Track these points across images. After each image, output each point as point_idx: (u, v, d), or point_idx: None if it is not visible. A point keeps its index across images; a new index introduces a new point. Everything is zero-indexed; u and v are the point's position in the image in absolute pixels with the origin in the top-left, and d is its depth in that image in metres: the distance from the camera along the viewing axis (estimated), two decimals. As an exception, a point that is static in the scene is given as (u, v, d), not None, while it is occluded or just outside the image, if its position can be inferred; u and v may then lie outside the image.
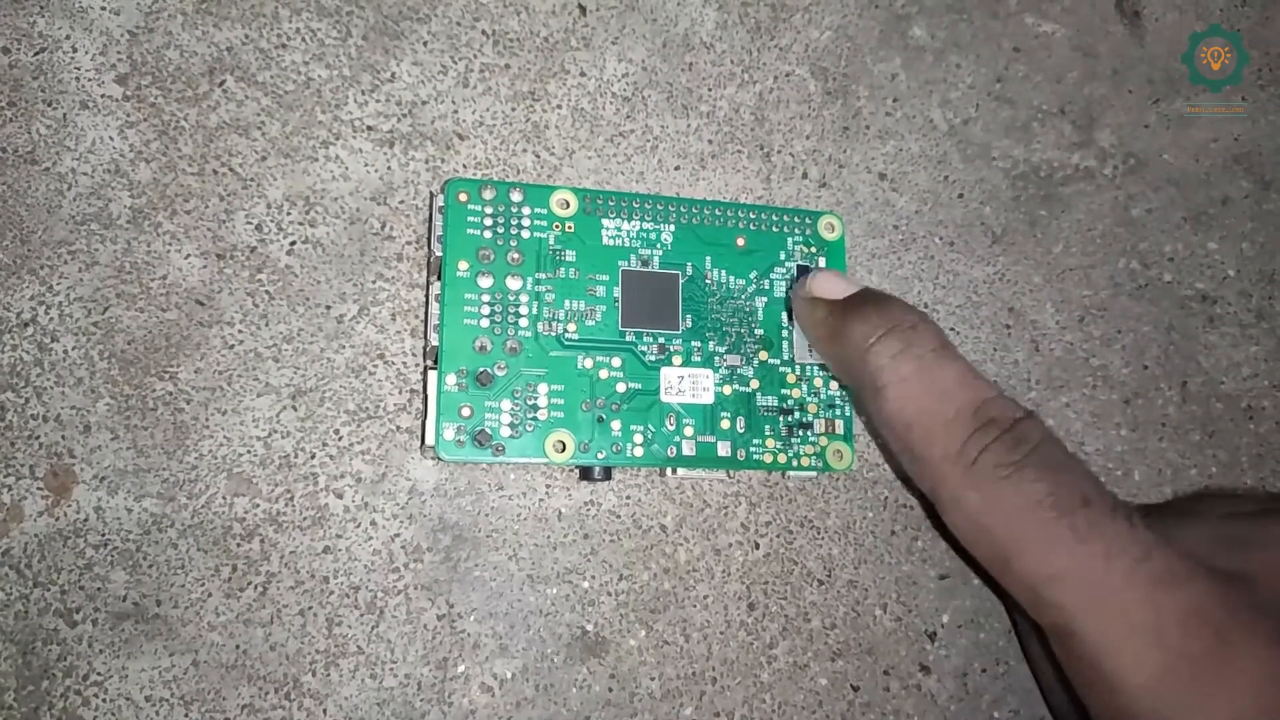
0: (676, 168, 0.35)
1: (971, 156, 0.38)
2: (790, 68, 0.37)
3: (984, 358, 0.37)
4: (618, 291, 0.32)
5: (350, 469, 0.30)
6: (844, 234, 0.34)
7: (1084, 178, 0.39)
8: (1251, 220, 0.41)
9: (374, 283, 0.32)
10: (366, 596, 0.30)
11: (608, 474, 0.31)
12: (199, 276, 0.30)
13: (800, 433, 0.32)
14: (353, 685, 0.29)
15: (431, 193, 0.32)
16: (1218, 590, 0.22)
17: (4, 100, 0.30)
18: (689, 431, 0.31)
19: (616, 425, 0.31)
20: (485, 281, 0.30)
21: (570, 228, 0.32)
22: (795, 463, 0.32)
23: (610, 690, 0.31)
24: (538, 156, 0.34)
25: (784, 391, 0.32)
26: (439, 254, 0.30)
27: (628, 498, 0.32)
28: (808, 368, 0.33)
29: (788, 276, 0.33)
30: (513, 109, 0.34)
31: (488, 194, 0.31)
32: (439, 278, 0.30)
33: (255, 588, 0.29)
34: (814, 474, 0.32)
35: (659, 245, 0.32)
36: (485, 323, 0.30)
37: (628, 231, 0.32)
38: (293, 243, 0.31)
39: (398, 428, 0.31)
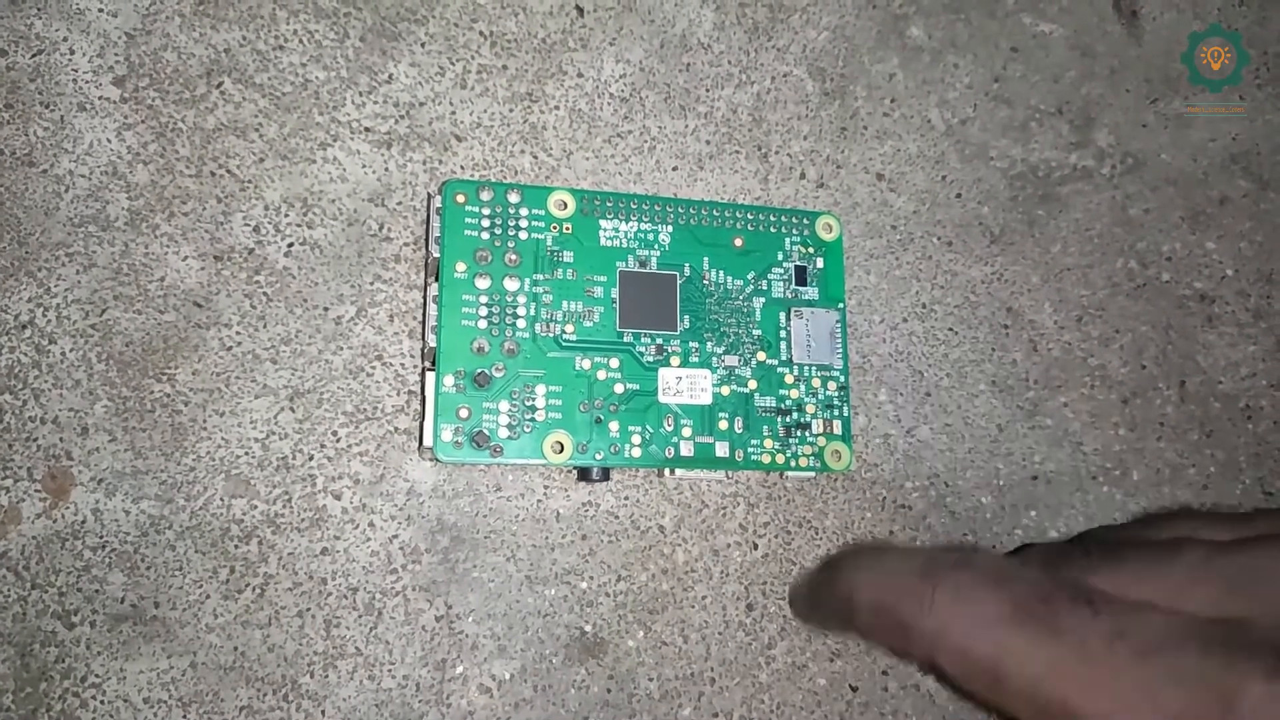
0: (674, 168, 0.35)
1: (969, 156, 0.38)
2: (788, 68, 0.37)
3: (982, 358, 0.37)
4: (615, 292, 0.32)
5: (348, 470, 0.30)
6: (842, 234, 0.34)
7: (1082, 177, 0.39)
8: (1249, 220, 0.41)
9: (372, 284, 0.32)
10: (365, 598, 0.30)
11: (606, 475, 0.31)
12: (197, 278, 0.30)
13: (798, 433, 0.32)
14: (351, 686, 0.29)
15: (429, 194, 0.32)
16: (1204, 645, 0.22)
17: (1, 102, 0.30)
18: (687, 432, 0.31)
19: (614, 426, 0.31)
20: (483, 283, 0.30)
21: (568, 229, 0.32)
22: (793, 463, 0.32)
23: (609, 691, 0.31)
24: (535, 158, 0.34)
25: (782, 392, 0.32)
26: (436, 255, 0.30)
27: (626, 498, 0.32)
28: (806, 368, 0.33)
29: (785, 277, 0.33)
30: (510, 110, 0.34)
31: (485, 195, 0.31)
32: (437, 279, 0.30)
33: (253, 589, 0.29)
34: (812, 474, 0.32)
35: (657, 246, 0.32)
36: (483, 324, 0.30)
37: (625, 232, 0.32)
38: (290, 244, 0.31)
39: (396, 429, 0.31)
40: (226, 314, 0.30)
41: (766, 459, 0.32)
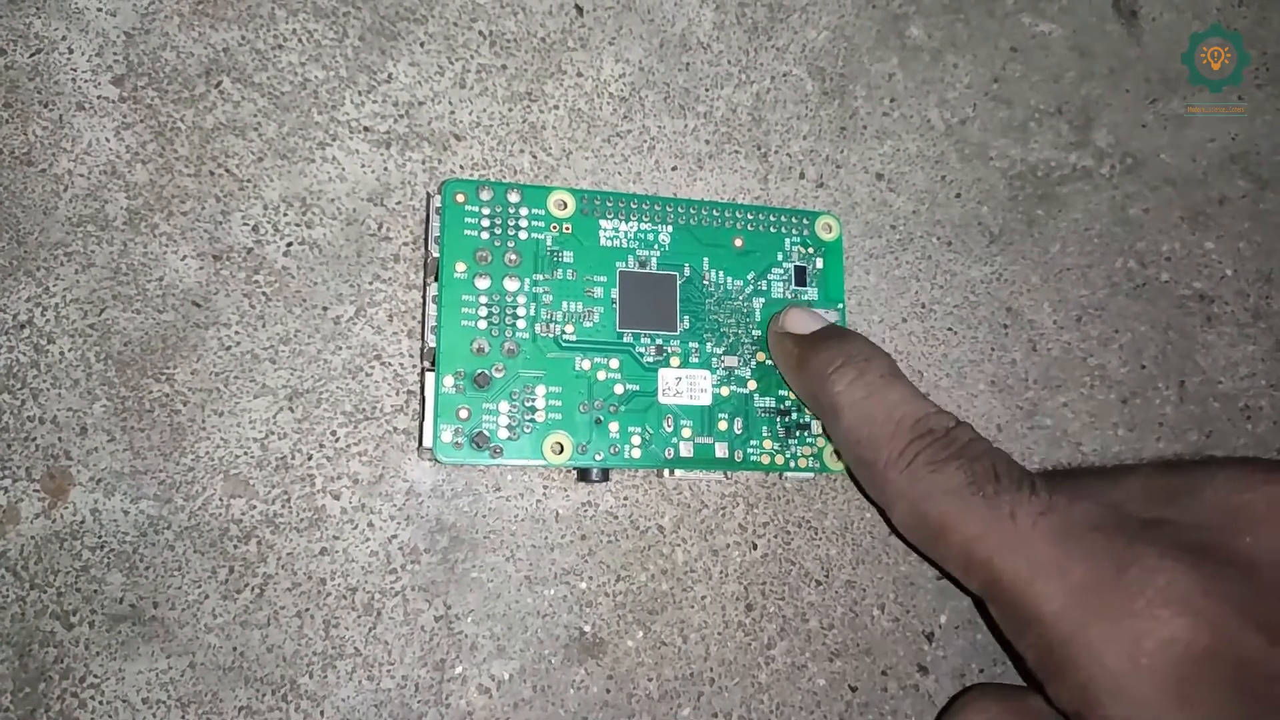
0: (674, 168, 0.35)
1: (969, 156, 0.38)
2: (787, 68, 0.37)
3: (981, 357, 0.37)
4: (615, 293, 0.31)
5: (347, 470, 0.30)
6: (841, 234, 0.34)
7: (1081, 177, 0.39)
8: (1249, 220, 0.41)
9: (371, 284, 0.32)
10: (364, 598, 0.30)
11: (605, 475, 0.31)
12: (195, 278, 0.30)
13: (798, 434, 0.32)
14: (350, 687, 0.29)
15: (429, 193, 0.32)
16: (1116, 530, 0.25)
17: (0, 101, 0.30)
18: (687, 433, 0.31)
19: (614, 427, 0.31)
20: (483, 283, 0.30)
21: (568, 229, 0.32)
22: (793, 464, 0.32)
23: (608, 691, 0.31)
24: (535, 157, 0.34)
25: (781, 393, 0.32)
26: (436, 255, 0.30)
27: (625, 499, 0.32)
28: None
29: (785, 277, 0.33)
30: (510, 109, 0.34)
31: (485, 195, 0.31)
32: (436, 279, 0.30)
33: (252, 589, 0.29)
34: (811, 475, 0.32)
35: (657, 246, 0.32)
36: (483, 324, 0.30)
37: (625, 232, 0.32)
38: (289, 244, 0.31)
39: (395, 429, 0.31)
40: (225, 314, 0.30)
41: (766, 460, 0.32)
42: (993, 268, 0.38)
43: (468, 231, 0.30)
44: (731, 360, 0.32)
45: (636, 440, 0.31)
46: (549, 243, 0.31)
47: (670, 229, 0.32)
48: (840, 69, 0.38)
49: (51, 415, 0.29)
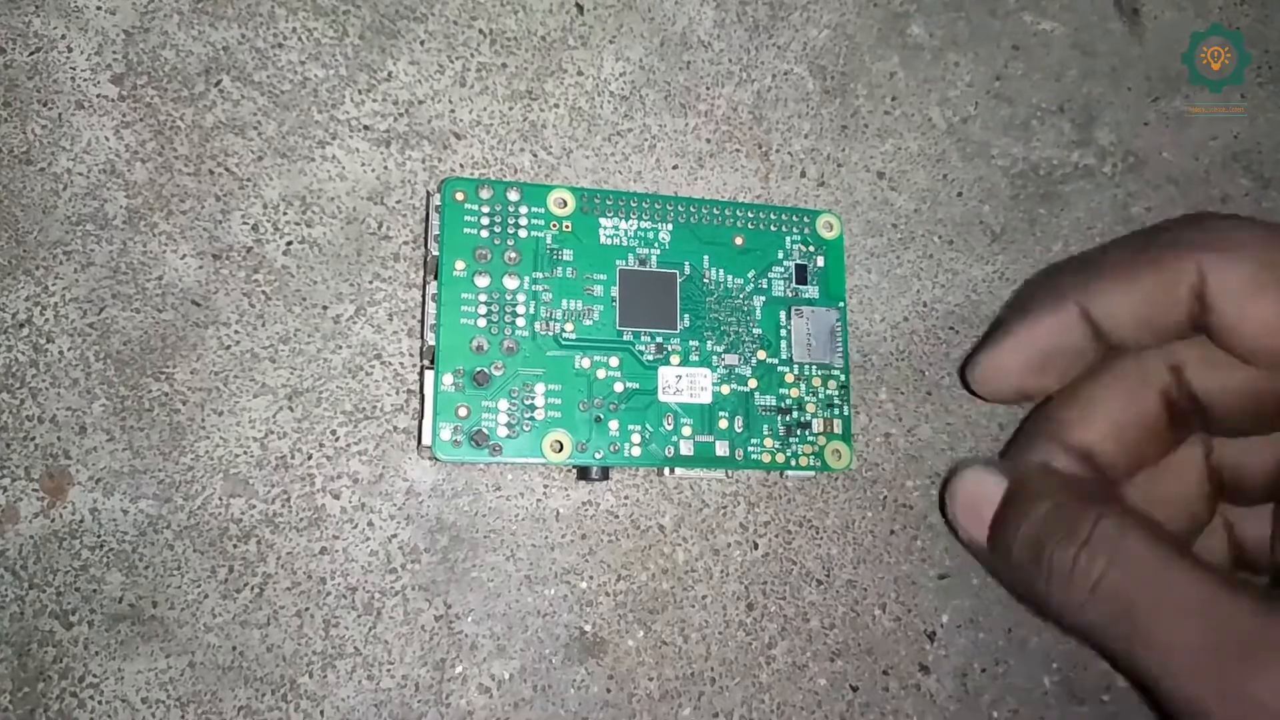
0: (674, 166, 0.35)
1: (970, 155, 0.38)
2: (789, 66, 0.37)
3: (983, 357, 0.37)
4: (615, 291, 0.31)
5: (347, 470, 0.30)
6: (842, 233, 0.34)
7: (1083, 176, 0.39)
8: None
9: (371, 283, 0.32)
10: (364, 597, 0.30)
11: (605, 474, 0.31)
12: (195, 277, 0.30)
13: (799, 432, 0.32)
14: (350, 686, 0.29)
15: (428, 192, 0.32)
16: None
17: (-1, 100, 0.30)
18: (687, 431, 0.31)
19: (614, 425, 0.30)
20: (482, 281, 0.30)
21: (568, 227, 0.31)
22: (794, 462, 0.32)
23: (608, 691, 0.31)
24: (535, 156, 0.34)
25: (782, 391, 0.32)
26: (436, 253, 0.30)
27: (626, 498, 0.32)
28: (806, 367, 0.33)
29: (786, 276, 0.33)
30: (510, 108, 0.34)
31: (485, 193, 0.31)
32: (436, 277, 0.30)
33: (252, 589, 0.29)
34: (812, 474, 0.32)
35: (657, 244, 0.32)
36: (482, 322, 0.30)
37: (625, 231, 0.32)
38: (289, 243, 0.31)
39: (395, 428, 0.31)
40: (225, 313, 0.30)
41: (766, 458, 0.32)
42: (994, 266, 0.38)
43: (467, 230, 0.30)
44: (732, 358, 0.32)
45: (636, 439, 0.31)
46: (549, 241, 0.31)
47: (670, 227, 0.32)
48: (841, 67, 0.38)
49: (50, 414, 0.28)
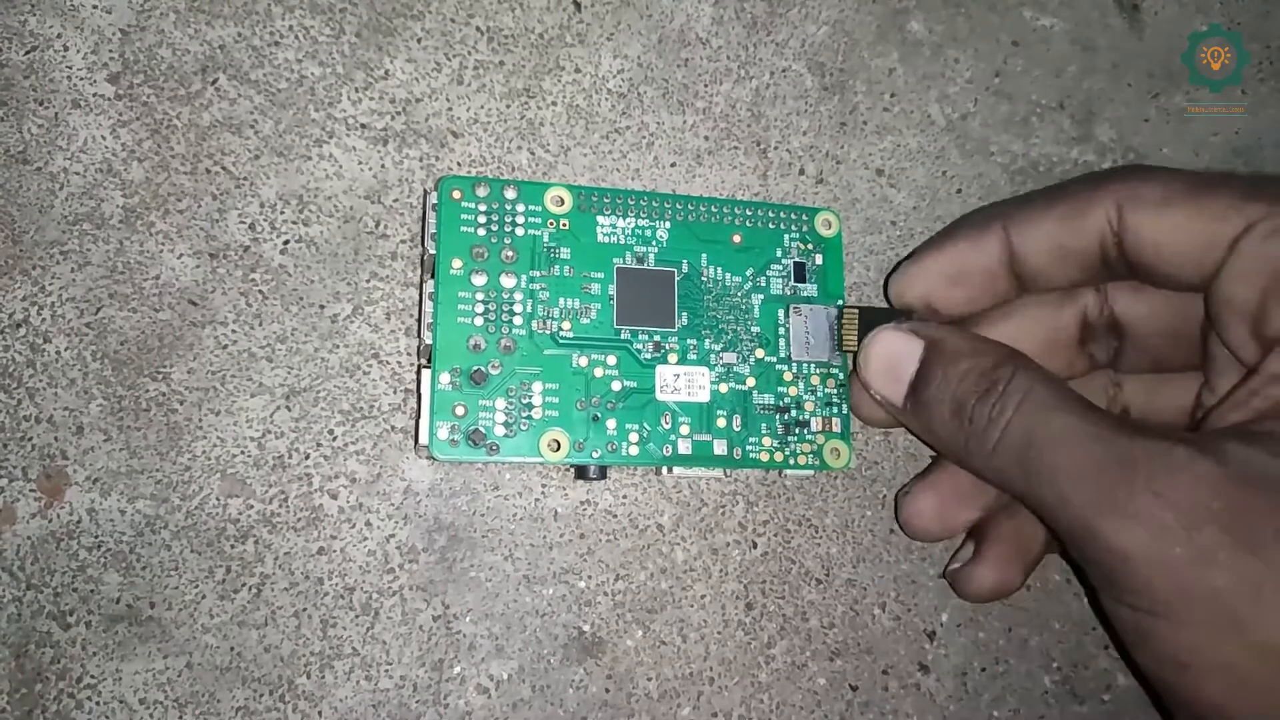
0: (673, 164, 0.35)
1: (970, 152, 0.38)
2: (787, 63, 0.37)
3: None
4: (613, 289, 0.31)
5: (345, 469, 0.30)
6: (841, 230, 0.34)
7: (1083, 172, 0.39)
8: (1252, 215, 0.41)
9: (368, 282, 0.31)
10: (361, 598, 0.30)
11: (603, 473, 0.31)
12: (192, 276, 0.30)
13: (797, 431, 0.32)
14: (348, 687, 0.29)
15: (425, 190, 0.32)
16: None
17: (-5, 100, 0.30)
18: (685, 430, 0.31)
19: (612, 424, 0.30)
20: (479, 279, 0.30)
21: (565, 225, 0.31)
22: (792, 461, 0.32)
23: (607, 691, 0.31)
24: (533, 154, 0.34)
25: (780, 389, 0.32)
26: (432, 252, 0.30)
27: (624, 497, 0.32)
28: (804, 365, 0.33)
29: (784, 274, 0.33)
30: (507, 106, 0.34)
31: (482, 191, 0.31)
32: (433, 276, 0.30)
33: (249, 589, 0.29)
34: (811, 472, 0.32)
35: (654, 242, 0.32)
36: (479, 321, 0.30)
37: (623, 229, 0.32)
38: (286, 242, 0.31)
39: (392, 428, 0.31)
40: (222, 312, 0.30)
41: (765, 457, 0.31)
42: (994, 264, 0.37)
43: (464, 228, 0.30)
44: (730, 357, 0.32)
45: (634, 437, 0.30)
46: (546, 239, 0.31)
47: (668, 225, 0.32)
48: (840, 64, 0.37)
49: (48, 415, 0.28)
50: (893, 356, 0.30)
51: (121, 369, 0.29)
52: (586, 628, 0.31)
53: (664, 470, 0.31)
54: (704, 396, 0.31)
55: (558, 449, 0.30)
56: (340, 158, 0.32)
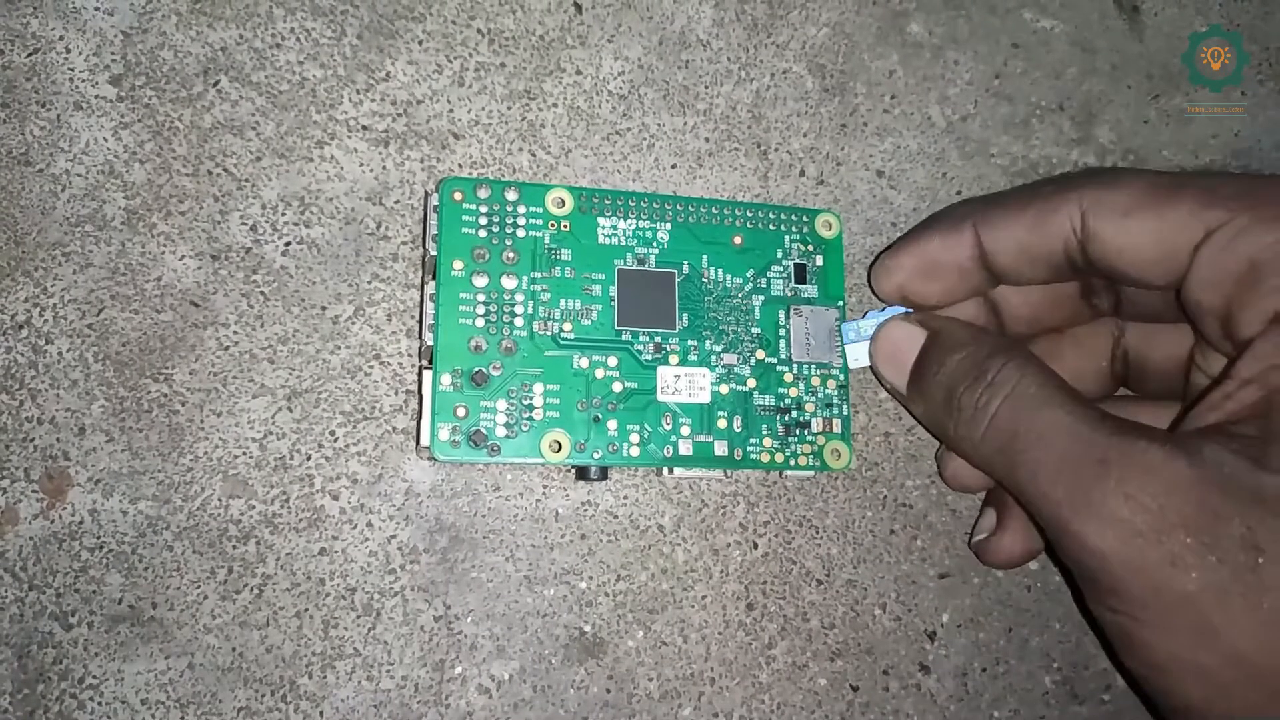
0: (673, 166, 0.35)
1: (970, 153, 0.38)
2: (788, 65, 0.37)
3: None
4: (614, 290, 0.31)
5: (346, 470, 0.30)
6: (841, 232, 0.34)
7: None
8: (1252, 216, 0.41)
9: (369, 283, 0.31)
10: (363, 598, 0.30)
11: (604, 474, 0.31)
12: (194, 278, 0.30)
13: (798, 432, 0.32)
14: (349, 687, 0.29)
15: (426, 192, 0.32)
16: None
17: (-3, 102, 0.30)
18: (685, 431, 0.31)
19: (613, 425, 0.30)
20: (480, 281, 0.30)
21: (566, 226, 0.31)
22: (793, 462, 0.32)
23: (608, 691, 0.31)
24: (534, 155, 0.34)
25: (781, 390, 0.32)
26: (434, 253, 0.30)
27: (625, 498, 0.32)
28: (805, 366, 0.33)
29: (785, 275, 0.33)
30: (508, 108, 0.34)
31: (483, 193, 0.31)
32: (434, 277, 0.30)
33: (251, 590, 0.29)
34: (811, 473, 0.32)
35: (655, 244, 0.32)
36: (480, 322, 0.30)
37: (624, 230, 0.32)
38: (288, 243, 0.31)
39: (394, 429, 0.31)
40: (224, 313, 0.30)
41: (765, 458, 0.32)
42: (994, 265, 0.37)
43: (465, 229, 0.30)
44: (731, 358, 0.32)
45: (635, 438, 0.31)
46: (547, 240, 0.31)
47: (669, 226, 0.32)
48: (841, 66, 0.37)
49: (50, 416, 0.29)
50: (897, 343, 0.31)
51: (123, 370, 0.29)
52: (588, 628, 0.31)
53: (665, 471, 0.31)
54: (705, 398, 0.31)
55: (559, 450, 0.30)
56: (342, 159, 0.32)
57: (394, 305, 0.32)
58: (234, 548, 0.29)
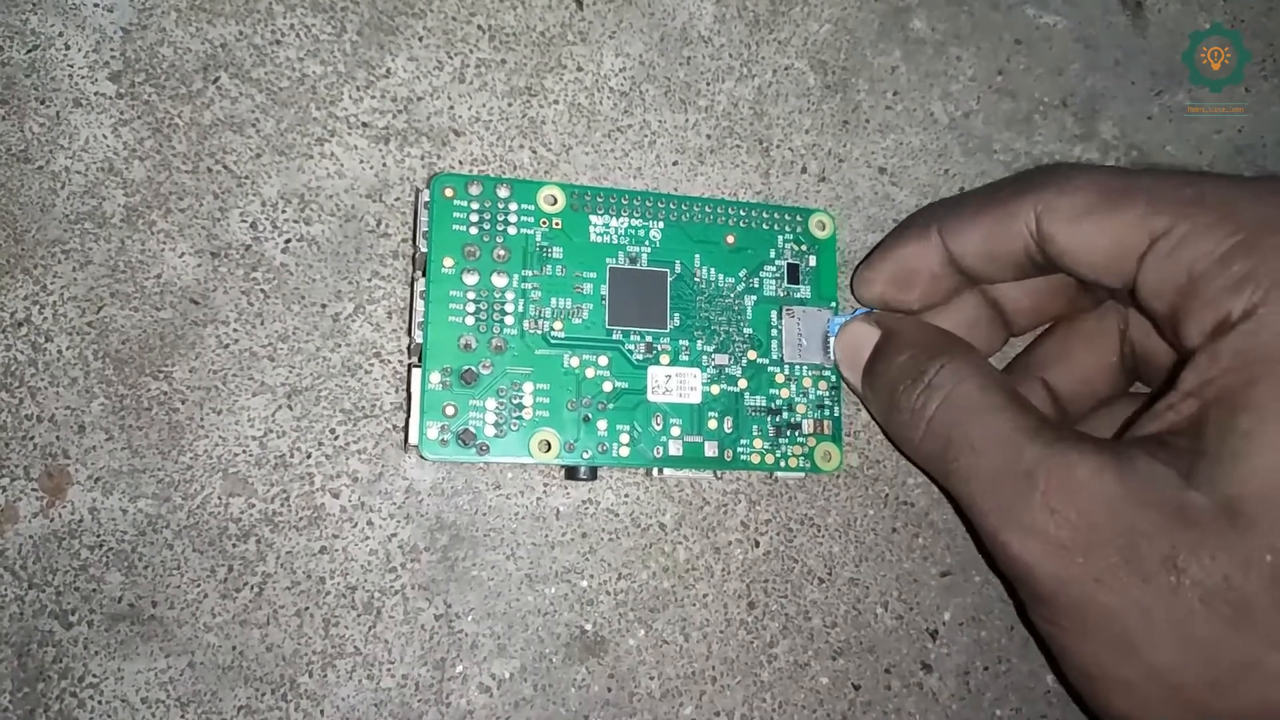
0: (674, 163, 0.35)
1: (973, 150, 0.38)
2: (789, 61, 0.37)
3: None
4: (605, 289, 0.31)
5: (346, 468, 0.30)
6: (835, 232, 0.34)
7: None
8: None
9: (369, 281, 0.31)
10: (363, 597, 0.30)
11: (593, 474, 0.30)
12: (193, 275, 0.30)
13: (789, 433, 0.32)
14: (350, 686, 0.29)
15: (417, 188, 0.32)
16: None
17: (-4, 99, 0.30)
18: (676, 431, 0.31)
19: (603, 425, 0.30)
20: (470, 278, 0.30)
21: (558, 224, 0.31)
22: (783, 464, 0.32)
23: (609, 690, 0.31)
24: (534, 152, 0.34)
25: (772, 391, 0.32)
26: (424, 249, 0.30)
27: (626, 496, 0.32)
28: (796, 367, 0.33)
29: (778, 275, 0.33)
30: (509, 104, 0.34)
31: (474, 189, 0.31)
32: (424, 273, 0.30)
33: (251, 588, 0.29)
34: (801, 475, 0.32)
35: (647, 243, 0.32)
36: (470, 320, 0.30)
37: (616, 229, 0.32)
38: (288, 241, 0.31)
39: (394, 427, 0.31)
40: (223, 311, 0.30)
41: (756, 459, 0.31)
42: (997, 262, 0.37)
43: (456, 226, 0.30)
44: (722, 358, 0.32)
45: (625, 438, 0.30)
46: (538, 238, 0.31)
47: (661, 225, 0.32)
48: (842, 62, 0.37)
49: (49, 414, 0.29)
50: (855, 342, 0.32)
51: (123, 368, 0.29)
52: (589, 627, 0.31)
53: (655, 472, 0.31)
54: (695, 398, 0.31)
55: (548, 449, 0.30)
56: (342, 156, 0.32)
57: (394, 303, 0.32)
58: (234, 546, 0.29)
